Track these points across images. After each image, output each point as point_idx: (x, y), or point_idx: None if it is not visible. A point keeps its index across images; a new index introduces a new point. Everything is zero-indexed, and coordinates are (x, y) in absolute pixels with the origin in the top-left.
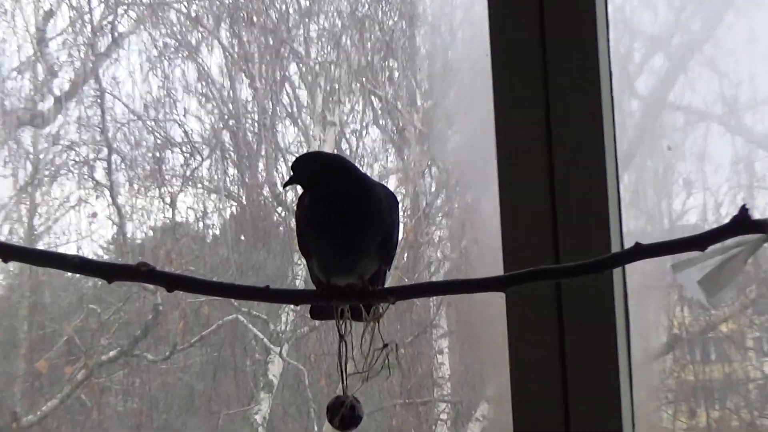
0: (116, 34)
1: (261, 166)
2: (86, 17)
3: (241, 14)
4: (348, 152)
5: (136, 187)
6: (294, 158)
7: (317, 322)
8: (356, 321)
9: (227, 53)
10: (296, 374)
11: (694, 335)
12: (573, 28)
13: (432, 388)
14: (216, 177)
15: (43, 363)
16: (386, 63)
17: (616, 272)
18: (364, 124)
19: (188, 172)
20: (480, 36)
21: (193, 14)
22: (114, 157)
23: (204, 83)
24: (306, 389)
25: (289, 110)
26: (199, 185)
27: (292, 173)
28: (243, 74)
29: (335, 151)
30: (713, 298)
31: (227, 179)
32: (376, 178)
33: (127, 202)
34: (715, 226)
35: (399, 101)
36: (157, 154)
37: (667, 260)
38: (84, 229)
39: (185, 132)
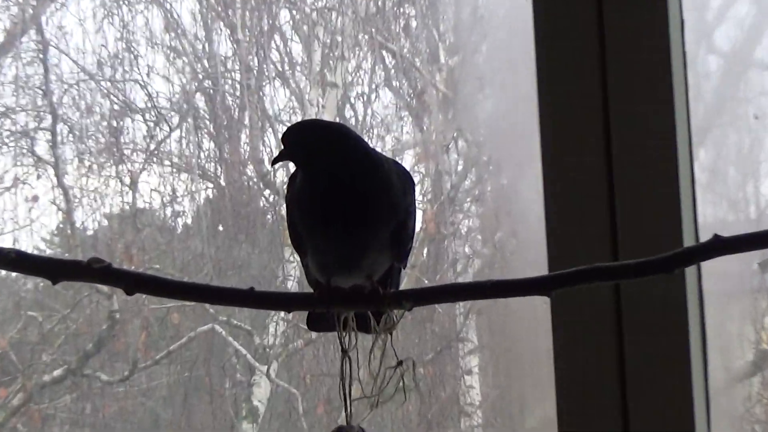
0: None
1: (244, 138)
2: None
3: None
4: (353, 121)
5: (87, 164)
6: (285, 128)
7: (314, 335)
8: (363, 333)
9: None
10: (288, 399)
11: None
12: None
13: (458, 418)
14: (188, 152)
15: None
16: (401, 9)
17: (690, 273)
18: (373, 86)
19: (153, 146)
20: None
21: None
22: (60, 126)
23: (173, 34)
24: (300, 418)
25: (279, 69)
26: (167, 162)
27: (282, 147)
28: (221, 23)
29: (337, 120)
30: None
31: (201, 155)
32: (388, 154)
33: (76, 182)
34: None
35: (417, 57)
36: (114, 123)
37: (754, 257)
38: (22, 216)
39: (149, 95)
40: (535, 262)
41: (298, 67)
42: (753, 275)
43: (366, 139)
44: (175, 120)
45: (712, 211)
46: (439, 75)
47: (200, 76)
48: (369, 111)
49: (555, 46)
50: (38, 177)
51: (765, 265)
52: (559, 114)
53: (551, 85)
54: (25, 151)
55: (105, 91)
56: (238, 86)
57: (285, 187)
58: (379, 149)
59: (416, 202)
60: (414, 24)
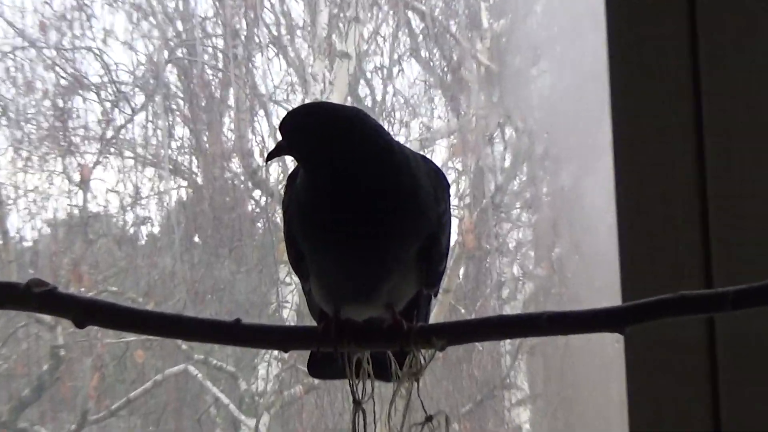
0: None
1: (228, 123)
2: None
3: None
4: (369, 103)
5: (24, 155)
6: (283, 113)
7: (317, 381)
8: (381, 380)
9: None
10: None
11: None
12: None
13: None
14: (155, 140)
15: None
16: None
17: None
18: (395, 57)
19: (110, 133)
20: None
21: None
22: None
23: None
24: None
25: (274, 33)
26: (128, 154)
27: (280, 137)
28: None
29: (349, 102)
30: None
31: (173, 144)
32: (415, 147)
33: (9, 179)
34: None
35: (452, 20)
36: (61, 103)
37: None
38: None
39: (106, 67)
40: (604, 288)
41: (299, 32)
42: None
43: (386, 127)
44: (140, 99)
45: None
46: (481, 43)
47: (172, 44)
48: (390, 89)
49: (632, 5)
50: None
51: None
52: (638, 95)
53: (627, 57)
54: None
55: (49, 61)
56: (221, 56)
57: (282, 188)
58: (402, 140)
59: (451, 208)
60: None
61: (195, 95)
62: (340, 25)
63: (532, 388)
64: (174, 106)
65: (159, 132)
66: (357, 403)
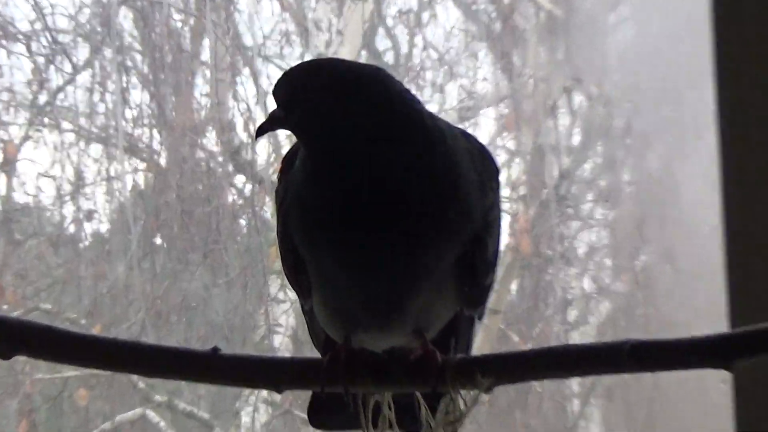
0: None
1: (201, 85)
2: None
3: None
4: (390, 59)
5: None
6: (279, 73)
7: None
8: None
9: None
10: None
11: None
12: None
13: None
14: (103, 108)
15: None
16: None
17: None
18: None
19: (43, 98)
20: None
21: None
22: None
23: None
24: None
25: None
26: (67, 126)
27: (273, 105)
28: None
29: (364, 58)
30: None
31: (127, 113)
32: (452, 119)
33: None
34: None
35: None
36: None
37: None
38: None
39: (39, 10)
40: (706, 309)
41: None
42: None
43: (414, 92)
44: (83, 54)
45: None
46: None
47: None
48: (418, 42)
49: None
50: None
51: None
52: (751, 50)
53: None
54: None
55: None
56: None
57: (274, 174)
58: (435, 110)
59: (501, 201)
60: None
61: (157, 48)
62: None
63: None
64: (129, 63)
65: (109, 97)
66: None
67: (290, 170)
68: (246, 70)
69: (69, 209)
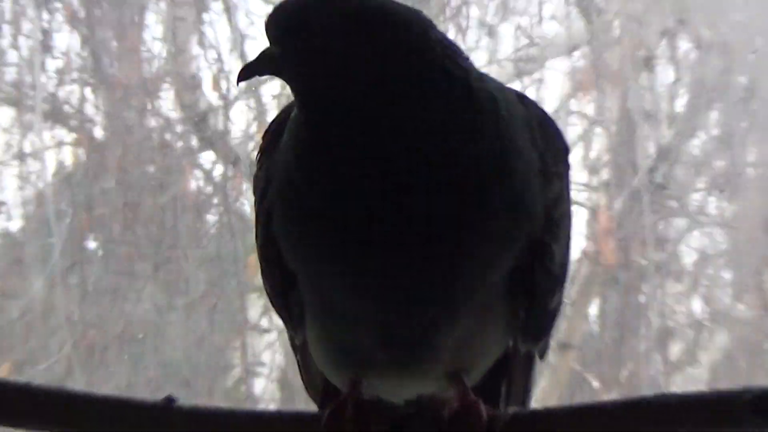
0: None
1: (153, 26)
2: None
3: None
4: None
5: None
6: (269, 4)
7: None
8: None
9: None
10: None
11: None
12: None
13: None
14: (17, 59)
15: None
16: None
17: None
18: None
19: None
20: None
21: None
22: None
23: None
24: None
25: None
26: None
27: (268, 44)
28: None
29: None
30: None
31: (50, 65)
32: (506, 73)
33: None
34: None
35: None
36: None
37: None
38: None
39: None
40: None
41: None
42: None
43: (453, 36)
44: None
45: None
46: None
47: None
48: None
49: None
50: None
51: None
52: None
53: None
54: None
55: None
56: None
57: (254, 150)
58: (483, 60)
59: (571, 192)
60: None
61: None
62: None
63: None
64: None
65: (23, 42)
66: None
67: (276, 146)
68: (217, 3)
69: None
